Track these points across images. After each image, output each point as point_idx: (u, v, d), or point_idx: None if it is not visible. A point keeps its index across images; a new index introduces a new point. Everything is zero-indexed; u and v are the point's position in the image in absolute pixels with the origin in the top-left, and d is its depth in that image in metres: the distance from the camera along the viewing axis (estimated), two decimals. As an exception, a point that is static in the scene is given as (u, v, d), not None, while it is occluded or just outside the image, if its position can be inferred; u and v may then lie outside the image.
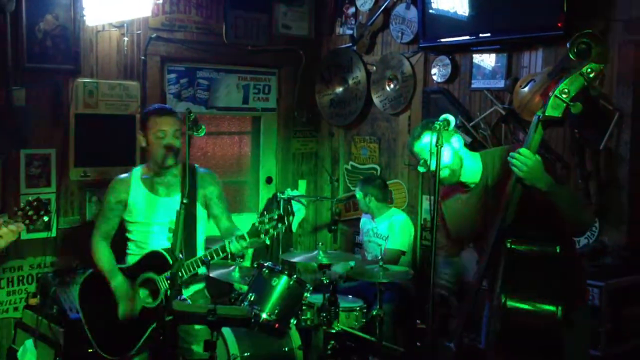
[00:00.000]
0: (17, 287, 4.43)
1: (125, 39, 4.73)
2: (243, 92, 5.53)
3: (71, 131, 4.57)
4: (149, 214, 3.34)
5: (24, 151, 4.40)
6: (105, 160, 4.67)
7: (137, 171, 3.43)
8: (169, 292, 2.90)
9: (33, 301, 4.39)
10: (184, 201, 2.83)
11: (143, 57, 4.85)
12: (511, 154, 2.53)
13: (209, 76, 5.33)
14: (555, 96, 2.47)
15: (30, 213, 2.76)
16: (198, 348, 3.33)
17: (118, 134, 4.75)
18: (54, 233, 4.48)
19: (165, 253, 3.20)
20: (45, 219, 2.83)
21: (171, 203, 3.23)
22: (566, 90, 2.45)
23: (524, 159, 2.48)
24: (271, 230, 3.09)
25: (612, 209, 3.88)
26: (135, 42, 4.81)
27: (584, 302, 2.87)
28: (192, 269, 3.19)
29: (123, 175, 3.43)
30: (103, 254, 3.36)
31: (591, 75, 2.46)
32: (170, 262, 3.15)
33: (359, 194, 4.78)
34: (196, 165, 3.47)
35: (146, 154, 3.43)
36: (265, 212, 3.29)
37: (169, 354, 3.00)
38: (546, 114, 2.48)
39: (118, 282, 3.28)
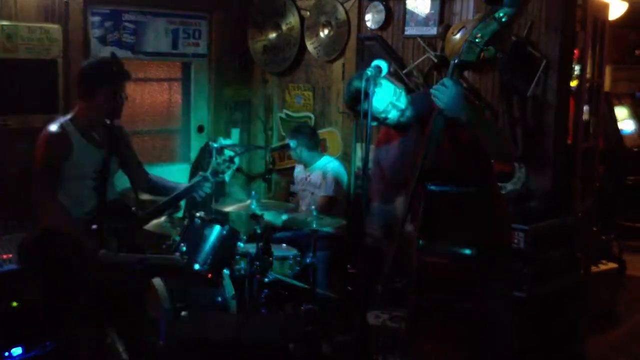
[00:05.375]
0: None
1: (45, -22, 4.46)
2: (172, 36, 5.32)
3: (-12, 77, 4.32)
4: (90, 166, 3.14)
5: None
6: (26, 108, 4.42)
7: (69, 123, 3.17)
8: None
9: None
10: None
11: (64, -1, 4.59)
12: (434, 86, 2.59)
13: (135, 19, 5.09)
14: (469, 41, 2.54)
15: None
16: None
17: (40, 80, 4.50)
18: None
19: (125, 202, 3.19)
20: None
21: (104, 155, 3.12)
22: (479, 35, 2.52)
23: (443, 89, 2.53)
24: (227, 170, 3.34)
25: (537, 154, 3.99)
26: (56, -18, 4.54)
27: (507, 243, 2.96)
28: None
29: (57, 129, 3.12)
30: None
31: (504, 20, 2.52)
32: (132, 209, 3.20)
33: (291, 144, 4.75)
34: None
35: (85, 105, 3.19)
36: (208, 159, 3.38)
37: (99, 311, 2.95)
38: (461, 59, 2.55)
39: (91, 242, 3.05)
